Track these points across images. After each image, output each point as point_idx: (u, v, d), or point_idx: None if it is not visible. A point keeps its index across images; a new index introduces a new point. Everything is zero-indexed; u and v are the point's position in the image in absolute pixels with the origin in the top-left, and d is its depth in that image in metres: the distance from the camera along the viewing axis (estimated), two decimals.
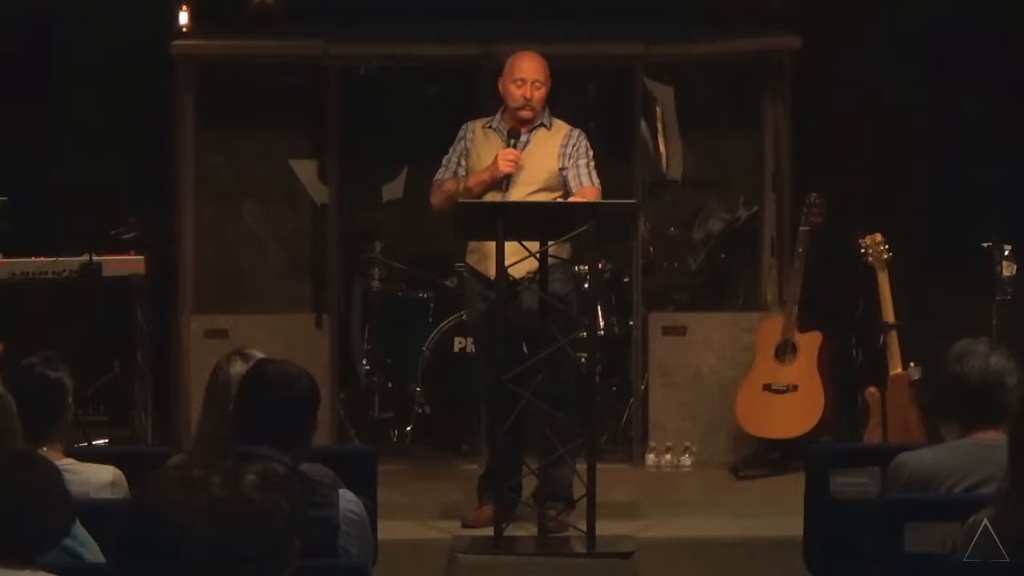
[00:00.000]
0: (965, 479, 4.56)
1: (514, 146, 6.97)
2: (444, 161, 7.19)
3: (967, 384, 4.61)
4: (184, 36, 8.53)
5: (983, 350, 4.66)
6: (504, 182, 6.91)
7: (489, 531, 6.69)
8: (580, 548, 6.60)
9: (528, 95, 7.00)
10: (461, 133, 7.19)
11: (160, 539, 2.57)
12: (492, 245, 6.64)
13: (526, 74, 7.02)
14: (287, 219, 9.12)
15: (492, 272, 6.75)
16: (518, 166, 6.92)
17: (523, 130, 7.04)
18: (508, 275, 6.67)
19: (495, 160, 6.92)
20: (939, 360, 4.73)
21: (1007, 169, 8.44)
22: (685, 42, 8.59)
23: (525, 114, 7.02)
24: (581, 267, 7.69)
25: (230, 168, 8.98)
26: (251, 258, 9.08)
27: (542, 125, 7.08)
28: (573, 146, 7.05)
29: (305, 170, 8.96)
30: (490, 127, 7.14)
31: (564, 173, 7.02)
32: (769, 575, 6.58)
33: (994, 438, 4.60)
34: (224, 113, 8.78)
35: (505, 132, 7.06)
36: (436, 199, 7.13)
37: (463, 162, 7.13)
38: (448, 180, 7.12)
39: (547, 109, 7.12)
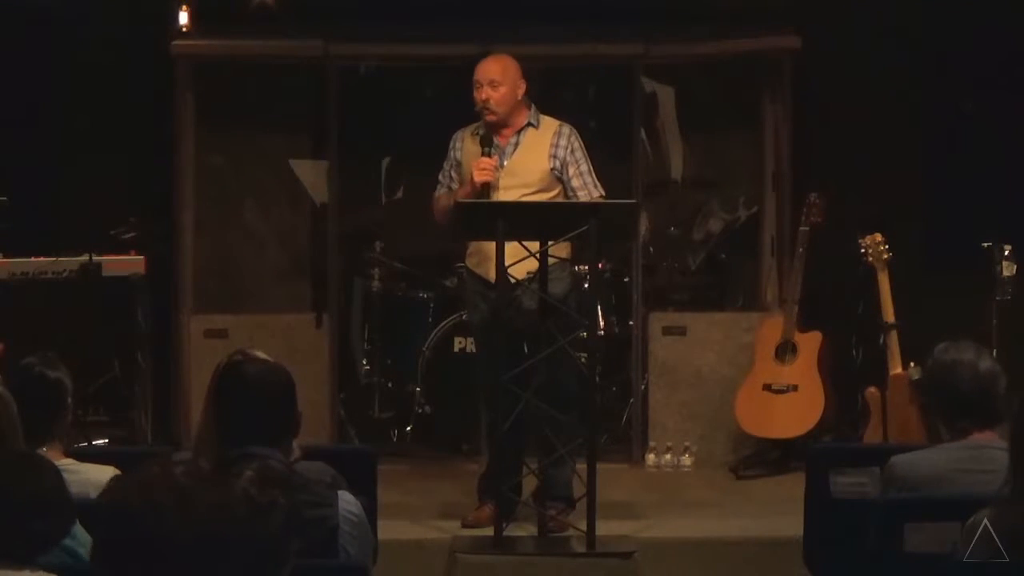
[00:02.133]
0: (959, 480, 4.58)
1: (488, 154, 6.90)
2: (440, 177, 7.16)
3: (961, 389, 4.64)
4: (184, 36, 8.52)
5: (972, 356, 4.70)
6: (485, 191, 6.86)
7: (489, 531, 6.69)
8: (580, 548, 6.60)
9: (484, 96, 6.96)
10: (451, 144, 7.15)
11: (131, 539, 2.56)
12: (492, 248, 6.63)
13: (479, 76, 6.99)
14: (287, 219, 9.12)
15: (492, 275, 6.74)
16: (496, 172, 6.89)
17: (503, 133, 6.96)
18: (509, 276, 6.68)
19: (470, 172, 6.91)
20: (930, 364, 4.76)
21: (1007, 169, 8.44)
22: (685, 42, 8.59)
23: (488, 117, 6.97)
24: (581, 267, 7.69)
25: (230, 168, 8.98)
26: (251, 258, 9.09)
27: (530, 125, 7.03)
28: (566, 148, 7.00)
29: (305, 170, 8.96)
30: (477, 134, 7.07)
31: (556, 174, 6.99)
32: (769, 575, 6.58)
33: (987, 439, 4.62)
34: (224, 113, 8.79)
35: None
36: (438, 216, 7.14)
37: (455, 175, 7.11)
38: (443, 196, 7.10)
39: (533, 107, 7.07)
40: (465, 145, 7.10)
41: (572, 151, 7.00)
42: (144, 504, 2.56)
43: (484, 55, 8.27)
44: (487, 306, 6.93)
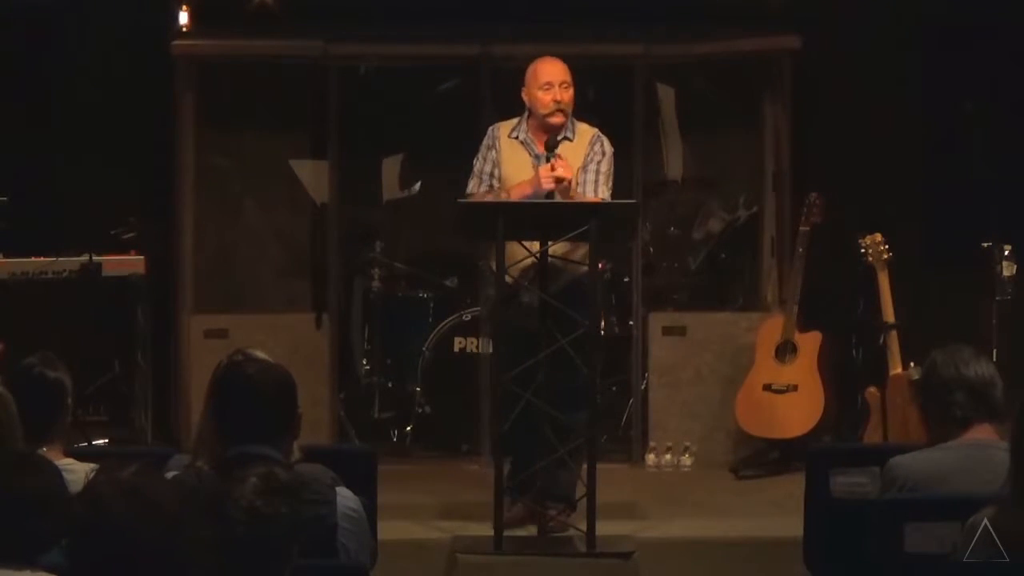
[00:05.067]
0: (959, 480, 4.58)
1: (553, 156, 6.77)
2: (476, 171, 7.02)
3: (960, 387, 4.65)
4: (184, 36, 8.53)
5: (969, 355, 4.71)
6: (566, 192, 6.76)
7: (489, 531, 6.68)
8: (580, 548, 6.59)
9: (558, 97, 6.86)
10: (489, 141, 7.02)
11: (88, 545, 2.54)
12: (518, 246, 6.59)
13: (552, 77, 6.90)
14: (287, 219, 9.12)
15: (516, 274, 6.71)
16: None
17: (543, 140, 6.91)
18: (525, 275, 6.68)
19: (537, 175, 6.76)
20: (929, 366, 4.77)
21: (1007, 169, 8.44)
22: (685, 42, 8.59)
23: (556, 119, 6.88)
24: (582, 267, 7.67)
25: (230, 168, 8.98)
26: (251, 258, 9.08)
27: (566, 138, 6.92)
28: (590, 155, 6.94)
29: (305, 170, 8.96)
30: (515, 137, 6.99)
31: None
32: (769, 575, 6.58)
33: (987, 439, 4.62)
34: (224, 113, 8.79)
35: (532, 144, 6.93)
36: None
37: (496, 172, 6.98)
38: (487, 194, 6.93)
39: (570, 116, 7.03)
40: (503, 146, 7.01)
41: (595, 155, 6.94)
42: (90, 508, 2.55)
43: (485, 55, 8.28)
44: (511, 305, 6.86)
